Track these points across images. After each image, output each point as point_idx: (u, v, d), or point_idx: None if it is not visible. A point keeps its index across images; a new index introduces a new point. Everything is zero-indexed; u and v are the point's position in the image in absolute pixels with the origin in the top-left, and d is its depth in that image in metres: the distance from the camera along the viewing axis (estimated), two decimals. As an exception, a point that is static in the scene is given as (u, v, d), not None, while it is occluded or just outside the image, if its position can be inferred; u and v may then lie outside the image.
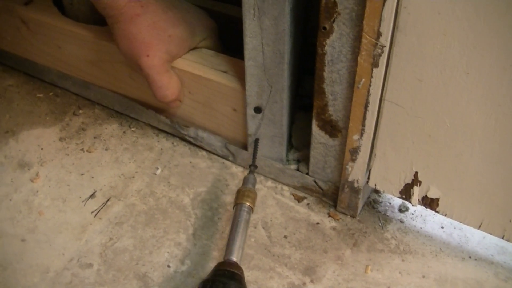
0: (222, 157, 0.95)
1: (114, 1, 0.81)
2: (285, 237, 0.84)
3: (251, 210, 0.78)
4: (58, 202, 0.90)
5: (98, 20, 0.91)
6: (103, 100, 1.04)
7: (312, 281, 0.78)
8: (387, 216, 0.86)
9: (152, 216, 0.87)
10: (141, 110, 0.98)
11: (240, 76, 0.82)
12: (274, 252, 0.82)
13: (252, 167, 0.83)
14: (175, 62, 0.88)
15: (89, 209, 0.89)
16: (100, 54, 0.95)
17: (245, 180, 0.81)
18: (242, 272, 0.72)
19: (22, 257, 0.83)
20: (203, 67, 0.87)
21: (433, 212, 0.78)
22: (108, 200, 0.89)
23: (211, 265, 0.80)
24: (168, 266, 0.81)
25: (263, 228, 0.85)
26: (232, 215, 0.77)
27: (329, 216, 0.86)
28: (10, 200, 0.90)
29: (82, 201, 0.90)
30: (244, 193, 0.78)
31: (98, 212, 0.88)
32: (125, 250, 0.83)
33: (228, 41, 0.95)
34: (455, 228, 0.84)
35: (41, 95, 1.09)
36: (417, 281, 0.78)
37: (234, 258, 0.72)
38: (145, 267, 0.81)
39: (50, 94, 1.09)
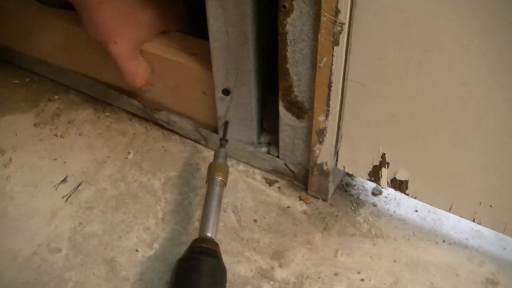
0: (195, 141, 0.94)
1: None
2: (255, 221, 0.83)
3: (223, 184, 0.77)
4: (30, 187, 0.89)
5: (70, 5, 0.90)
6: (78, 86, 1.03)
7: (280, 265, 0.77)
8: (360, 199, 0.85)
9: (122, 201, 0.86)
10: (114, 95, 0.97)
11: (209, 58, 0.81)
12: (243, 236, 0.81)
13: (223, 141, 0.82)
14: (144, 45, 0.87)
15: (60, 194, 0.88)
16: (72, 39, 0.94)
17: (216, 155, 0.80)
18: (218, 248, 0.71)
19: (-7, 242, 0.82)
20: (172, 50, 0.86)
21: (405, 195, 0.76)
22: (79, 185, 0.89)
23: (179, 250, 0.79)
24: (136, 251, 0.80)
25: (233, 212, 0.84)
26: (206, 191, 0.76)
27: (300, 199, 0.85)
28: (-18, 185, 0.90)
29: (54, 186, 0.89)
30: (215, 168, 0.78)
31: (69, 197, 0.87)
32: (94, 235, 0.82)
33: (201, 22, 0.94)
34: (429, 211, 0.83)
35: (17, 81, 1.08)
36: (388, 266, 0.77)
37: (209, 234, 0.72)
38: (113, 252, 0.80)
39: (27, 80, 1.08)
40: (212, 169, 0.78)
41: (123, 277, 0.77)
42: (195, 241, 0.71)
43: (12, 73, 1.10)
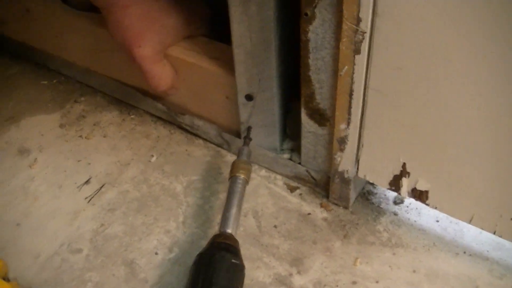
0: (218, 145, 0.94)
1: None
2: (275, 227, 0.83)
3: (246, 182, 0.77)
4: (54, 188, 0.90)
5: (97, 8, 0.91)
6: (104, 88, 1.04)
7: (299, 272, 0.77)
8: (381, 208, 0.84)
9: (144, 203, 0.87)
10: (140, 97, 0.98)
11: (233, 64, 0.81)
12: (262, 242, 0.81)
13: (247, 140, 0.82)
14: (170, 50, 0.88)
15: (83, 195, 0.89)
16: (99, 42, 0.95)
17: (240, 152, 0.80)
18: (238, 244, 0.72)
19: (16, 241, 0.83)
20: (196, 55, 0.87)
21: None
22: (102, 186, 0.90)
23: (199, 253, 0.80)
24: (156, 254, 0.81)
25: (253, 217, 0.84)
26: (228, 188, 0.77)
27: (321, 206, 0.85)
28: (8, 185, 0.91)
29: (77, 187, 0.90)
30: (238, 166, 0.78)
31: (91, 198, 0.88)
32: (115, 236, 0.83)
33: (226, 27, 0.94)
34: (450, 222, 0.82)
35: (45, 82, 1.09)
36: (407, 276, 0.76)
37: (229, 230, 0.72)
38: (133, 254, 0.81)
39: (54, 81, 1.10)
40: (235, 166, 0.78)
41: (142, 279, 0.78)
42: (216, 236, 0.72)
43: (41, 74, 1.11)
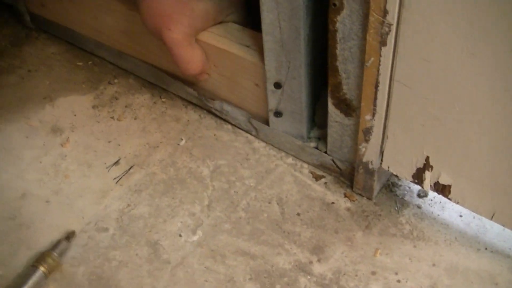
0: (246, 131, 0.95)
1: None
2: (298, 214, 0.83)
3: (44, 277, 0.78)
4: (84, 167, 0.92)
5: (131, -8, 0.93)
6: (136, 70, 1.06)
7: (319, 260, 0.78)
8: (405, 200, 0.84)
9: (170, 185, 0.88)
10: (171, 81, 1.00)
11: (262, 51, 0.82)
12: (285, 228, 0.82)
13: (70, 239, 0.82)
14: (201, 35, 0.89)
15: (112, 175, 0.91)
16: (132, 25, 0.96)
17: (55, 245, 0.81)
18: None
19: (45, 217, 0.86)
20: (227, 41, 0.88)
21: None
22: (130, 168, 0.92)
23: (222, 237, 0.81)
24: (180, 236, 0.82)
25: (278, 204, 0.85)
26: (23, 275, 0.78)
27: (345, 196, 0.85)
28: (40, 162, 0.94)
29: (106, 168, 0.92)
30: (44, 258, 0.79)
31: (120, 179, 0.90)
32: (141, 217, 0.85)
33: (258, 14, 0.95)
34: (474, 217, 0.82)
35: (80, 64, 1.12)
36: (426, 269, 0.76)
37: None
38: (158, 235, 0.82)
39: (89, 63, 1.12)
40: (40, 257, 0.79)
41: (165, 260, 0.79)
42: None
43: (77, 55, 1.14)
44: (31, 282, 0.76)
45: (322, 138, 0.87)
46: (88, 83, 1.07)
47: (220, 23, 0.91)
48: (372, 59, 0.67)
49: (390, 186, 0.86)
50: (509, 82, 0.59)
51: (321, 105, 0.86)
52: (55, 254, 0.78)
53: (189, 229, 0.83)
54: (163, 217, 0.84)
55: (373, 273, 0.76)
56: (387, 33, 0.64)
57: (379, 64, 0.67)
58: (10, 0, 1.19)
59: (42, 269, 0.77)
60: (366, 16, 0.66)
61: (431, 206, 0.83)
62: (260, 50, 0.83)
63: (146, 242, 0.82)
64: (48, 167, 0.93)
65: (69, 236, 0.81)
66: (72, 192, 0.89)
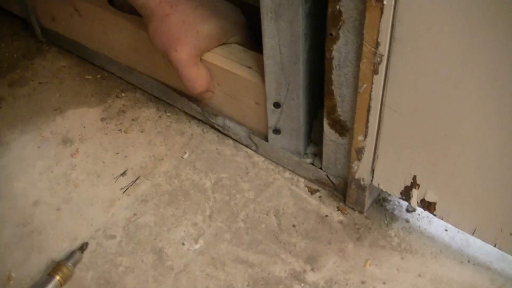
0: (246, 146, 1.00)
1: (147, 2, 0.88)
2: (294, 226, 0.89)
3: (59, 285, 0.82)
4: (93, 177, 0.98)
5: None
6: (143, 85, 1.11)
7: (312, 269, 0.83)
8: (394, 214, 0.90)
9: (175, 196, 0.94)
10: (176, 97, 1.05)
11: (263, 72, 0.87)
12: (281, 239, 0.87)
13: (83, 248, 0.87)
14: (205, 55, 0.94)
15: (119, 185, 0.96)
16: (141, 42, 1.02)
17: (70, 256, 0.85)
18: None
19: (56, 224, 0.91)
20: (230, 62, 0.93)
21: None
22: (137, 178, 0.97)
23: (222, 246, 0.86)
24: (183, 244, 0.87)
25: (275, 216, 0.90)
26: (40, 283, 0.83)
27: (338, 210, 0.91)
28: (51, 172, 0.99)
29: (114, 178, 0.97)
30: (60, 268, 0.83)
31: (127, 189, 0.95)
32: (146, 225, 0.90)
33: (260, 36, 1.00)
34: (458, 232, 0.87)
35: (89, 77, 1.17)
36: (413, 279, 0.82)
37: None
38: (162, 243, 0.88)
39: (98, 76, 1.17)
40: (56, 267, 0.84)
41: (168, 267, 0.85)
42: None
43: (86, 69, 1.19)
44: None
45: (318, 154, 0.93)
46: (97, 96, 1.13)
47: (224, 44, 0.96)
48: (365, 85, 0.73)
49: (381, 201, 0.92)
50: (489, 111, 0.65)
51: (318, 124, 0.92)
52: (69, 264, 0.83)
53: (192, 238, 0.88)
54: (167, 226, 0.90)
55: (363, 282, 0.82)
56: (379, 63, 0.70)
57: (371, 91, 0.73)
58: (22, 14, 1.25)
59: (58, 278, 0.82)
60: (360, 46, 0.71)
61: (419, 221, 0.89)
62: (261, 71, 0.88)
63: (151, 249, 0.87)
64: (59, 176, 0.98)
65: (83, 247, 0.86)
66: (82, 200, 0.94)
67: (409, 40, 0.66)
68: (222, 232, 0.88)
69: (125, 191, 0.95)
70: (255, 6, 0.97)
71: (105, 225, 0.90)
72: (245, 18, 0.98)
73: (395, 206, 0.91)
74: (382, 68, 0.70)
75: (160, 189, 0.95)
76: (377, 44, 0.68)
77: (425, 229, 0.88)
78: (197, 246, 0.87)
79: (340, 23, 0.71)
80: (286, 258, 0.85)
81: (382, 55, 0.69)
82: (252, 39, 1.00)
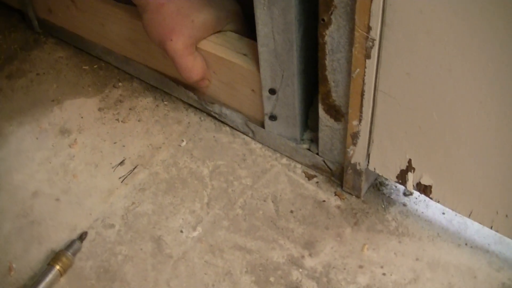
0: (243, 133, 1.01)
1: None
2: (291, 212, 0.89)
3: (59, 274, 0.83)
4: (91, 167, 0.98)
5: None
6: (140, 75, 1.11)
7: (310, 254, 0.84)
8: (391, 198, 0.90)
9: (172, 184, 0.94)
10: (173, 85, 1.05)
11: (258, 59, 0.87)
12: (279, 225, 0.88)
13: (83, 238, 0.88)
14: (201, 44, 0.94)
15: (117, 175, 0.97)
16: (137, 33, 1.02)
17: (69, 245, 0.86)
18: None
19: (55, 215, 0.92)
20: (225, 50, 0.93)
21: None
22: (135, 167, 0.97)
23: (220, 233, 0.87)
24: (181, 231, 0.88)
25: (272, 202, 0.90)
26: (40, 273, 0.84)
27: (336, 195, 0.91)
28: (50, 163, 1.00)
29: (112, 168, 0.98)
30: (60, 257, 0.84)
31: (125, 178, 0.96)
32: (145, 214, 0.91)
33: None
34: (456, 215, 0.87)
35: (86, 68, 1.17)
36: (410, 263, 0.82)
37: None
38: (161, 231, 0.88)
39: (95, 67, 1.17)
40: (56, 257, 0.85)
41: (167, 254, 0.85)
42: None
43: (83, 60, 1.19)
44: (48, 279, 0.82)
45: (314, 140, 0.93)
46: (94, 86, 1.13)
47: (219, 32, 0.96)
48: (358, 70, 0.73)
49: (378, 185, 0.92)
50: (483, 95, 0.65)
51: (314, 110, 0.92)
52: (69, 253, 0.84)
53: (190, 225, 0.89)
54: (165, 214, 0.90)
55: (361, 266, 0.82)
56: (371, 47, 0.70)
57: (364, 75, 0.73)
58: (19, 6, 1.25)
59: (57, 267, 0.83)
60: (352, 31, 0.71)
61: (416, 204, 0.89)
62: (256, 59, 0.88)
63: (150, 238, 0.87)
64: (57, 167, 0.99)
65: (82, 236, 0.87)
66: (80, 191, 0.95)
67: (400, 24, 0.66)
68: (220, 219, 0.89)
69: (123, 180, 0.96)
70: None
71: (103, 215, 0.91)
72: (240, 5, 0.98)
73: (392, 190, 0.91)
74: (374, 52, 0.70)
75: (158, 177, 0.96)
76: (369, 29, 0.68)
77: (422, 212, 0.88)
78: (195, 234, 0.88)
79: (332, 8, 0.71)
80: (284, 244, 0.85)
81: (374, 40, 0.69)
82: (248, 26, 0.99)
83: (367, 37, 0.69)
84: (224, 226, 0.88)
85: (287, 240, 0.86)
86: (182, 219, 0.89)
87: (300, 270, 0.82)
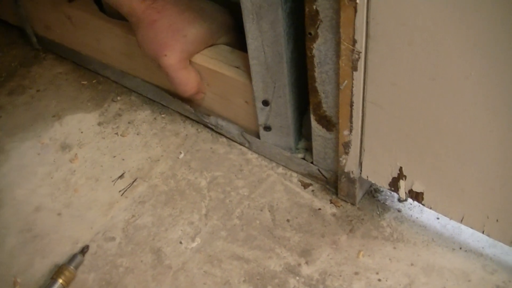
0: (240, 143, 1.02)
1: (133, 9, 0.90)
2: (288, 220, 0.91)
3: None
4: (91, 181, 1.00)
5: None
6: (138, 88, 1.13)
7: (307, 262, 0.85)
8: (386, 205, 0.91)
9: (171, 196, 0.96)
10: (169, 98, 1.07)
11: (250, 72, 0.89)
12: (275, 234, 0.89)
13: (84, 251, 0.90)
14: (194, 57, 0.96)
15: (117, 188, 0.99)
16: (132, 47, 1.04)
17: (71, 259, 0.88)
18: None
19: (58, 229, 0.94)
20: (218, 63, 0.95)
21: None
22: (134, 180, 0.99)
23: (218, 243, 0.88)
24: (180, 243, 0.89)
25: (269, 211, 0.92)
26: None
27: (331, 202, 0.92)
28: (51, 178, 1.01)
29: (112, 181, 1.00)
30: (62, 271, 0.86)
31: (125, 191, 0.98)
32: (145, 226, 0.92)
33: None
34: (450, 220, 0.88)
35: (85, 82, 1.19)
36: (405, 268, 0.83)
37: None
38: (160, 243, 0.90)
39: (93, 81, 1.19)
40: (58, 270, 0.86)
41: (167, 265, 0.87)
42: None
43: (82, 75, 1.21)
44: None
45: (309, 149, 0.94)
46: (93, 101, 1.15)
47: (212, 45, 0.98)
48: (346, 81, 0.75)
49: (373, 192, 0.93)
50: (466, 102, 0.66)
51: (307, 119, 0.93)
52: (71, 267, 0.86)
53: (189, 236, 0.90)
54: (165, 226, 0.92)
55: (356, 273, 0.84)
56: (357, 60, 0.71)
57: (352, 86, 0.74)
58: (17, 23, 1.27)
59: (60, 281, 0.84)
60: (338, 44, 0.73)
61: (410, 210, 0.90)
62: (248, 71, 0.90)
63: (150, 250, 0.89)
64: (59, 182, 1.01)
65: (84, 250, 0.89)
66: (82, 204, 0.97)
67: (384, 36, 0.67)
68: (218, 230, 0.91)
69: (123, 193, 0.97)
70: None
71: (104, 228, 0.93)
72: (233, 18, 0.99)
73: (387, 197, 0.92)
74: (360, 64, 0.71)
75: (157, 190, 0.97)
76: (354, 42, 0.70)
77: (417, 218, 0.89)
78: (194, 244, 0.89)
79: (318, 23, 0.73)
80: (280, 252, 0.87)
81: (359, 52, 0.70)
82: (241, 39, 1.01)
83: (353, 49, 0.70)
84: (222, 237, 0.89)
85: (284, 248, 0.87)
86: (181, 230, 0.91)
87: (297, 278, 0.84)
